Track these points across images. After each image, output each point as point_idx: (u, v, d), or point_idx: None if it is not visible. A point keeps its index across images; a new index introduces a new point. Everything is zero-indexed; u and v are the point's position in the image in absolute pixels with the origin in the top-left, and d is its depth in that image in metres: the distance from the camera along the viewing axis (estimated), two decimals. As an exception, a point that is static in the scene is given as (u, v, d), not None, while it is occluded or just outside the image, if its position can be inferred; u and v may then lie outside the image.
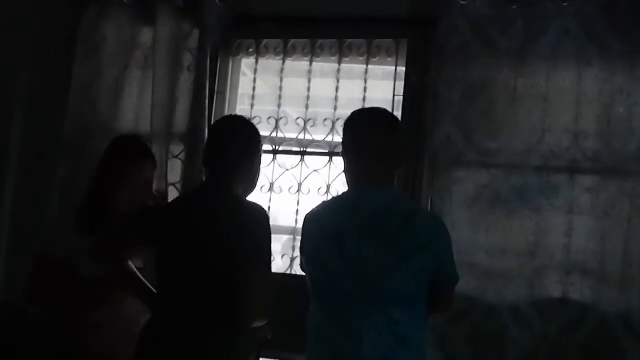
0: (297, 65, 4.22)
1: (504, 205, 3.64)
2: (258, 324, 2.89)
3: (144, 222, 3.12)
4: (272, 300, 2.88)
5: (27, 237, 3.81)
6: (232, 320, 2.83)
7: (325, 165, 4.02)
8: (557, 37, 3.65)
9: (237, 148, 3.05)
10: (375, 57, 4.06)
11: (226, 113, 4.22)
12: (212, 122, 4.05)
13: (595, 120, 3.60)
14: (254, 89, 4.23)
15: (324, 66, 4.18)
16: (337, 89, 4.08)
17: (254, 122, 4.06)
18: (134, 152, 3.42)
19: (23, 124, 4.05)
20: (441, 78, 3.75)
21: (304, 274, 2.99)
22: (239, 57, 4.30)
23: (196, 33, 4.09)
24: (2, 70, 4.01)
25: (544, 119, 3.64)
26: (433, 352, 3.50)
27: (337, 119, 3.99)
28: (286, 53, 4.17)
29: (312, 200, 3.91)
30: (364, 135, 2.95)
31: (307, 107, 4.11)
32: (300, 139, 4.11)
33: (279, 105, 4.16)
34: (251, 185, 3.14)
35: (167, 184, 4.01)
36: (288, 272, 4.01)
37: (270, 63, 4.25)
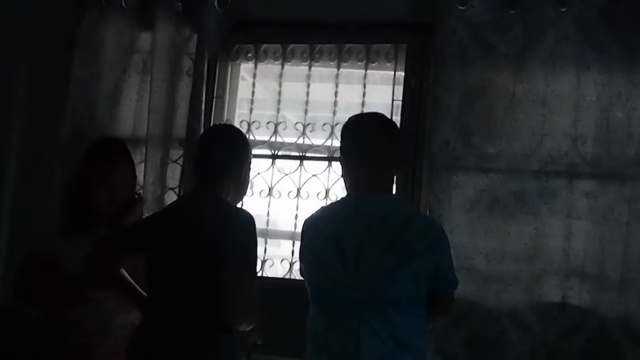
0: (296, 69, 4.22)
1: (502, 210, 3.63)
2: (245, 327, 2.94)
3: (135, 230, 3.20)
4: (256, 304, 2.93)
5: (25, 241, 3.79)
6: (219, 323, 2.88)
7: (324, 170, 4.02)
8: (555, 42, 3.65)
9: (225, 156, 3.11)
10: (374, 62, 4.07)
11: (225, 117, 4.23)
12: (211, 125, 4.06)
13: (593, 124, 3.61)
14: (252, 93, 4.23)
15: (323, 71, 4.18)
16: (336, 94, 4.08)
17: (253, 126, 4.12)
18: (107, 152, 3.46)
19: (22, 128, 4.05)
20: (440, 83, 3.75)
21: (303, 279, 2.99)
22: (237, 62, 4.30)
23: (195, 38, 4.09)
24: (2, 74, 4.01)
25: (543, 123, 3.64)
26: (432, 356, 3.50)
27: (336, 124, 3.99)
28: (285, 58, 4.18)
29: (311, 205, 3.91)
30: (362, 140, 2.96)
31: (306, 111, 4.12)
32: (299, 144, 4.11)
33: (278, 110, 4.17)
34: (241, 192, 3.21)
35: (165, 189, 4.01)
36: (287, 276, 4.01)
37: (269, 68, 4.26)
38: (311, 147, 4.09)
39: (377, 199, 2.89)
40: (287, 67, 4.20)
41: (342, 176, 3.04)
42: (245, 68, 4.33)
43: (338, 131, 3.75)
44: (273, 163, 4.12)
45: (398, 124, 3.81)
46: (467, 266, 3.59)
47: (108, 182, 3.38)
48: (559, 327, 3.53)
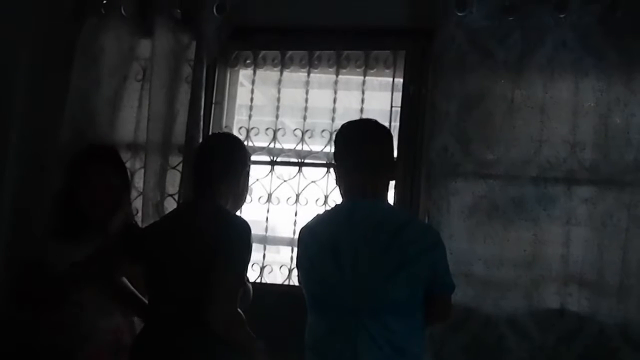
0: (294, 76, 4.23)
1: (501, 216, 3.63)
2: (235, 333, 2.96)
3: (133, 239, 3.28)
4: (236, 312, 2.96)
5: (24, 247, 3.81)
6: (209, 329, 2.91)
7: (323, 176, 4.02)
8: (554, 49, 3.65)
9: (223, 164, 3.17)
10: (372, 69, 4.07)
11: (224, 124, 4.24)
12: (209, 134, 4.06)
13: (592, 131, 3.61)
14: (251, 99, 4.23)
15: (322, 77, 4.19)
16: (334, 100, 4.09)
17: (252, 133, 4.13)
18: (89, 157, 3.53)
19: (21, 135, 4.05)
20: (438, 89, 3.75)
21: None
22: (236, 68, 4.31)
23: (194, 45, 4.09)
24: (1, 81, 4.01)
25: (541, 129, 3.64)
26: (430, 362, 3.51)
27: (335, 130, 3.95)
28: (284, 64, 4.18)
29: (310, 211, 3.91)
30: (355, 147, 2.98)
31: (304, 118, 4.12)
32: (298, 150, 4.11)
33: (277, 116, 4.17)
34: (239, 201, 3.26)
35: (165, 195, 4.01)
36: (286, 283, 4.01)
37: (268, 74, 4.26)
38: (310, 154, 4.09)
39: (371, 205, 2.90)
40: (286, 73, 4.20)
41: (336, 183, 3.06)
42: (244, 74, 4.33)
43: (337, 137, 3.77)
44: (272, 169, 4.12)
45: (396, 131, 3.86)
46: (466, 272, 3.59)
47: (92, 187, 3.43)
48: (557, 333, 3.52)
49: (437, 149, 3.70)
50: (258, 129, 4.18)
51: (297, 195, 4.05)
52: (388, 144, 3.04)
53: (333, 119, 4.04)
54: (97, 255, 3.25)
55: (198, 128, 3.99)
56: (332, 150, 3.90)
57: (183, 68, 4.12)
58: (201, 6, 4.03)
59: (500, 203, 3.63)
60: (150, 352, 3.02)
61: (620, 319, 3.47)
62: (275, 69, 4.21)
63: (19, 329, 3.35)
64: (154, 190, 4.00)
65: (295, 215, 4.03)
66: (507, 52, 3.71)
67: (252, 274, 3.92)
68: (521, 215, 3.62)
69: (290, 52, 4.18)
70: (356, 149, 2.98)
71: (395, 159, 3.11)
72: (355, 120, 3.23)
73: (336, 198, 3.91)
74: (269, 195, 4.10)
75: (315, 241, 2.95)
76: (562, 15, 3.63)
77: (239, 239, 3.02)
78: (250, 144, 4.15)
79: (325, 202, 4.00)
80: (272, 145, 4.14)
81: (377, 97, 4.10)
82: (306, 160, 4.09)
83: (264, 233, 4.10)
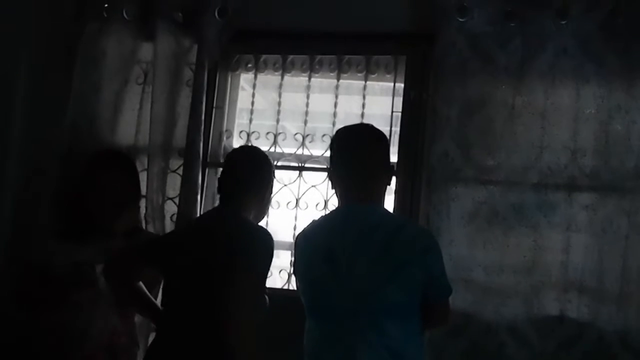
0: (295, 80, 4.22)
1: (501, 222, 3.63)
2: (247, 346, 3.02)
3: (153, 245, 3.34)
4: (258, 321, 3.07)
5: (24, 248, 3.82)
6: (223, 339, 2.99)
7: (324, 181, 4.01)
8: (555, 55, 3.65)
9: (250, 178, 3.29)
10: (373, 73, 4.07)
11: (225, 128, 4.24)
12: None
13: (593, 137, 3.60)
14: (252, 103, 4.23)
15: (323, 82, 4.18)
16: (335, 105, 4.08)
17: (252, 137, 4.13)
18: (101, 161, 3.66)
19: (22, 137, 4.04)
20: (439, 94, 3.74)
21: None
22: (237, 72, 4.31)
23: (195, 48, 4.09)
24: (2, 84, 4.01)
25: (542, 136, 3.64)
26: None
27: (336, 135, 3.99)
28: (285, 68, 4.18)
29: (310, 216, 3.91)
30: (350, 151, 2.98)
31: (305, 122, 4.12)
32: (299, 154, 4.11)
33: (278, 121, 4.17)
34: (262, 213, 3.38)
35: (165, 198, 4.01)
36: (286, 287, 4.01)
37: (269, 78, 4.26)
38: (310, 158, 4.09)
39: (366, 210, 2.91)
40: (287, 77, 4.20)
41: (332, 187, 3.07)
42: (245, 78, 4.33)
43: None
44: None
45: (397, 136, 3.86)
46: (466, 278, 3.58)
47: (102, 190, 3.53)
48: (557, 339, 3.52)
49: (438, 154, 3.70)
50: (259, 133, 4.18)
51: (297, 200, 4.05)
52: (383, 148, 3.04)
53: (334, 124, 4.04)
54: (117, 259, 3.26)
55: (199, 132, 3.98)
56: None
57: (184, 71, 4.12)
58: (203, 10, 4.03)
59: (501, 209, 3.63)
60: (167, 357, 3.06)
61: (620, 326, 3.47)
62: (276, 73, 4.21)
63: (17, 329, 3.37)
64: (154, 194, 3.99)
65: (295, 219, 4.03)
66: (508, 58, 3.70)
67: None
68: (521, 221, 3.61)
69: (291, 57, 4.18)
70: (351, 154, 2.99)
71: (391, 164, 3.11)
72: (351, 125, 3.22)
73: (336, 202, 3.93)
74: (270, 199, 4.10)
75: (310, 246, 2.96)
76: (563, 22, 3.63)
77: (261, 248, 3.10)
78: (251, 147, 4.16)
79: (325, 206, 4.00)
80: (272, 150, 4.13)
81: (378, 101, 4.10)
82: (306, 165, 4.09)
83: (264, 237, 4.09)
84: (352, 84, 4.13)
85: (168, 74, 4.08)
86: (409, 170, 3.84)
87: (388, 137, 3.42)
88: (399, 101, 3.97)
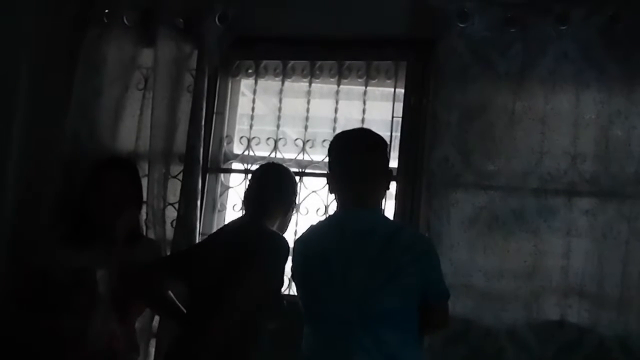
0: (296, 86, 4.23)
1: (501, 227, 3.63)
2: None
3: (180, 257, 3.50)
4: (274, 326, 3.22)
5: (25, 251, 3.82)
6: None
7: (324, 186, 4.01)
8: (555, 60, 3.66)
9: (277, 195, 3.43)
10: (374, 79, 4.08)
11: (225, 133, 4.24)
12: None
13: (593, 143, 3.61)
14: (253, 109, 4.23)
15: (323, 87, 4.19)
16: (336, 110, 4.09)
17: (253, 142, 4.14)
18: (106, 167, 3.69)
19: (23, 143, 4.05)
20: (440, 100, 3.74)
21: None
22: (238, 78, 4.31)
23: (196, 54, 4.10)
24: (3, 90, 4.02)
25: (542, 141, 3.64)
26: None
27: (336, 140, 3.99)
28: (285, 74, 4.19)
29: (310, 221, 3.90)
30: (347, 156, 2.98)
31: (306, 127, 4.12)
32: (299, 160, 4.12)
33: (278, 126, 4.17)
34: (283, 227, 3.47)
35: (165, 204, 4.01)
36: (286, 292, 4.01)
37: (270, 84, 4.26)
38: (311, 164, 4.10)
39: (363, 215, 2.91)
40: (288, 83, 4.21)
41: (330, 192, 3.07)
42: (246, 84, 4.34)
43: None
44: (273, 179, 4.11)
45: (397, 141, 3.86)
46: (466, 283, 3.58)
47: (104, 194, 3.55)
48: (557, 345, 3.52)
49: (438, 159, 3.70)
50: (259, 138, 4.18)
51: (298, 205, 4.05)
52: (382, 153, 3.04)
53: (334, 129, 4.04)
54: (146, 269, 3.41)
55: (199, 137, 3.99)
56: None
57: (185, 77, 4.12)
58: (203, 16, 4.03)
59: (501, 214, 3.63)
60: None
61: (620, 331, 3.47)
62: (276, 78, 4.21)
63: (17, 332, 3.37)
64: (155, 199, 4.00)
65: (296, 224, 4.02)
66: (508, 63, 3.71)
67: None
68: (521, 226, 3.61)
69: (291, 62, 4.19)
70: (349, 158, 2.99)
71: (390, 169, 3.11)
72: (348, 130, 3.23)
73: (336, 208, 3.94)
74: (270, 205, 4.10)
75: (307, 252, 2.97)
76: (563, 27, 3.64)
77: (274, 252, 3.20)
78: (251, 153, 4.17)
79: (326, 211, 4.00)
80: (273, 155, 4.14)
81: (378, 107, 4.10)
82: (307, 170, 4.09)
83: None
84: (352, 89, 4.14)
85: (169, 80, 4.08)
86: (409, 175, 3.84)
87: (388, 142, 3.43)
88: (399, 106, 3.98)
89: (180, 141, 4.05)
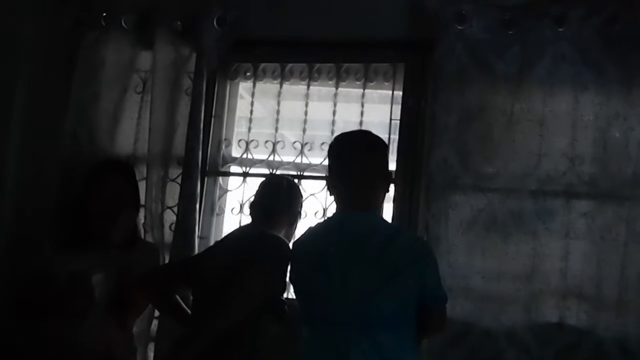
0: (294, 88, 4.23)
1: (500, 229, 3.62)
2: None
3: (188, 264, 3.54)
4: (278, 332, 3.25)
5: (23, 256, 3.82)
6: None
7: (322, 189, 4.01)
8: (553, 62, 3.65)
9: (284, 207, 3.51)
10: (372, 81, 4.07)
11: (223, 136, 4.24)
12: (209, 146, 4.11)
13: (591, 144, 3.60)
14: (251, 112, 4.23)
15: (321, 90, 4.19)
16: (334, 113, 4.09)
17: (251, 145, 4.15)
18: (103, 170, 3.71)
19: (21, 147, 4.05)
20: (438, 102, 3.74)
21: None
22: (236, 81, 4.31)
23: (194, 57, 4.10)
24: (1, 93, 4.02)
25: (541, 143, 3.64)
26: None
27: (334, 143, 3.99)
28: (283, 77, 4.18)
29: (309, 224, 3.90)
30: (346, 158, 2.98)
31: (304, 130, 4.12)
32: (297, 163, 4.11)
33: (276, 129, 4.17)
34: (288, 238, 3.50)
35: (164, 207, 4.01)
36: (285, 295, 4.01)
37: (268, 86, 4.26)
38: (309, 166, 4.09)
39: (361, 217, 2.90)
40: (286, 86, 4.20)
41: (330, 194, 3.07)
42: (244, 87, 4.34)
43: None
44: (271, 182, 4.11)
45: (396, 143, 3.85)
46: (465, 286, 3.58)
47: (101, 197, 3.56)
48: (556, 347, 3.51)
49: (436, 161, 3.69)
50: (257, 141, 4.18)
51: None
52: (382, 155, 3.04)
53: (332, 132, 4.03)
54: (154, 274, 3.51)
55: (198, 140, 3.99)
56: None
57: (183, 80, 4.13)
58: (201, 19, 4.03)
59: (499, 216, 3.63)
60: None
61: (619, 333, 3.46)
62: (275, 81, 4.21)
63: (14, 337, 3.37)
64: (154, 203, 4.00)
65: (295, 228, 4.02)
66: (506, 65, 3.70)
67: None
68: (520, 228, 3.61)
69: (290, 65, 4.18)
70: (349, 160, 2.98)
71: (389, 171, 3.11)
72: (347, 132, 3.23)
73: (335, 211, 3.93)
74: (268, 208, 4.10)
75: (306, 254, 2.97)
76: (561, 29, 3.63)
77: (274, 255, 3.25)
78: (249, 156, 4.17)
79: (324, 214, 3.99)
80: (271, 158, 4.14)
81: (376, 109, 4.10)
82: (305, 173, 4.08)
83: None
84: (350, 91, 4.14)
85: (167, 83, 4.09)
86: (407, 177, 3.84)
87: (387, 144, 3.42)
88: (397, 109, 3.97)
89: (179, 144, 4.05)
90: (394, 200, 3.83)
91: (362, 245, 2.82)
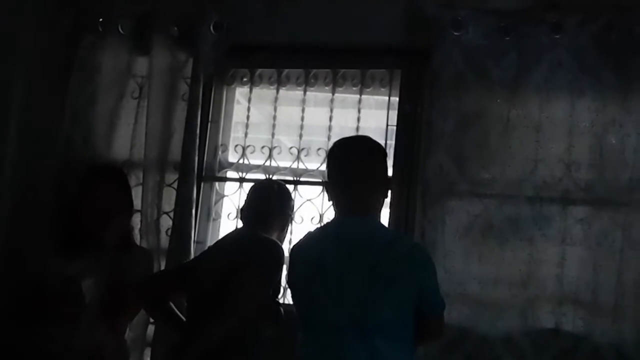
0: (291, 94, 4.23)
1: (496, 235, 3.63)
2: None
3: (182, 270, 3.58)
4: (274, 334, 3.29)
5: (18, 264, 3.81)
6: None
7: (319, 195, 4.01)
8: (550, 69, 3.66)
9: (275, 211, 3.54)
10: (368, 87, 4.08)
11: (220, 142, 4.24)
12: (206, 151, 4.12)
13: (587, 151, 3.61)
14: (247, 117, 4.23)
15: (318, 95, 4.19)
16: (330, 118, 4.09)
17: (248, 150, 4.15)
18: (96, 176, 3.71)
19: (17, 151, 4.04)
20: (434, 108, 3.75)
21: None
22: (233, 86, 4.31)
23: (191, 62, 4.10)
24: (-2, 99, 4.02)
25: (537, 149, 3.64)
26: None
27: (331, 148, 3.99)
28: (280, 82, 4.19)
29: (305, 229, 3.90)
30: (345, 164, 2.97)
31: (300, 136, 4.12)
32: (294, 168, 4.11)
33: (273, 134, 4.17)
34: (281, 240, 3.55)
35: (160, 212, 4.01)
36: (281, 300, 4.00)
37: (264, 92, 4.27)
38: (306, 172, 4.09)
39: (359, 223, 2.89)
40: (282, 91, 4.21)
41: (329, 199, 3.07)
42: (241, 92, 4.34)
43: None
44: (268, 187, 4.11)
45: (392, 149, 3.85)
46: (461, 292, 3.58)
47: (94, 202, 3.56)
48: (552, 353, 3.51)
49: (433, 167, 3.70)
50: (254, 146, 4.18)
51: (293, 214, 4.04)
52: (380, 161, 3.03)
53: (329, 137, 4.04)
54: (152, 282, 3.56)
55: (194, 145, 3.99)
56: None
57: (180, 86, 4.13)
58: (198, 24, 4.04)
59: (496, 222, 3.63)
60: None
61: (615, 339, 3.46)
62: (271, 86, 4.22)
63: (7, 342, 3.37)
64: (150, 208, 3.99)
65: (291, 233, 4.01)
66: (503, 71, 3.71)
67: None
68: (516, 234, 3.61)
69: (286, 70, 4.19)
70: (348, 165, 2.97)
71: (388, 177, 3.11)
72: (346, 138, 3.22)
73: (331, 216, 3.93)
74: (265, 213, 4.10)
75: (303, 259, 2.95)
76: (557, 36, 3.64)
77: (267, 258, 3.29)
78: (246, 161, 4.17)
79: (321, 220, 4.00)
80: (267, 163, 4.14)
81: (373, 115, 4.10)
82: (302, 179, 4.08)
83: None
84: (347, 97, 4.14)
85: (163, 88, 4.08)
86: (404, 183, 3.84)
87: (386, 150, 3.42)
88: (394, 115, 3.97)
89: (175, 149, 4.05)
90: (391, 206, 3.83)
91: (361, 251, 2.81)
